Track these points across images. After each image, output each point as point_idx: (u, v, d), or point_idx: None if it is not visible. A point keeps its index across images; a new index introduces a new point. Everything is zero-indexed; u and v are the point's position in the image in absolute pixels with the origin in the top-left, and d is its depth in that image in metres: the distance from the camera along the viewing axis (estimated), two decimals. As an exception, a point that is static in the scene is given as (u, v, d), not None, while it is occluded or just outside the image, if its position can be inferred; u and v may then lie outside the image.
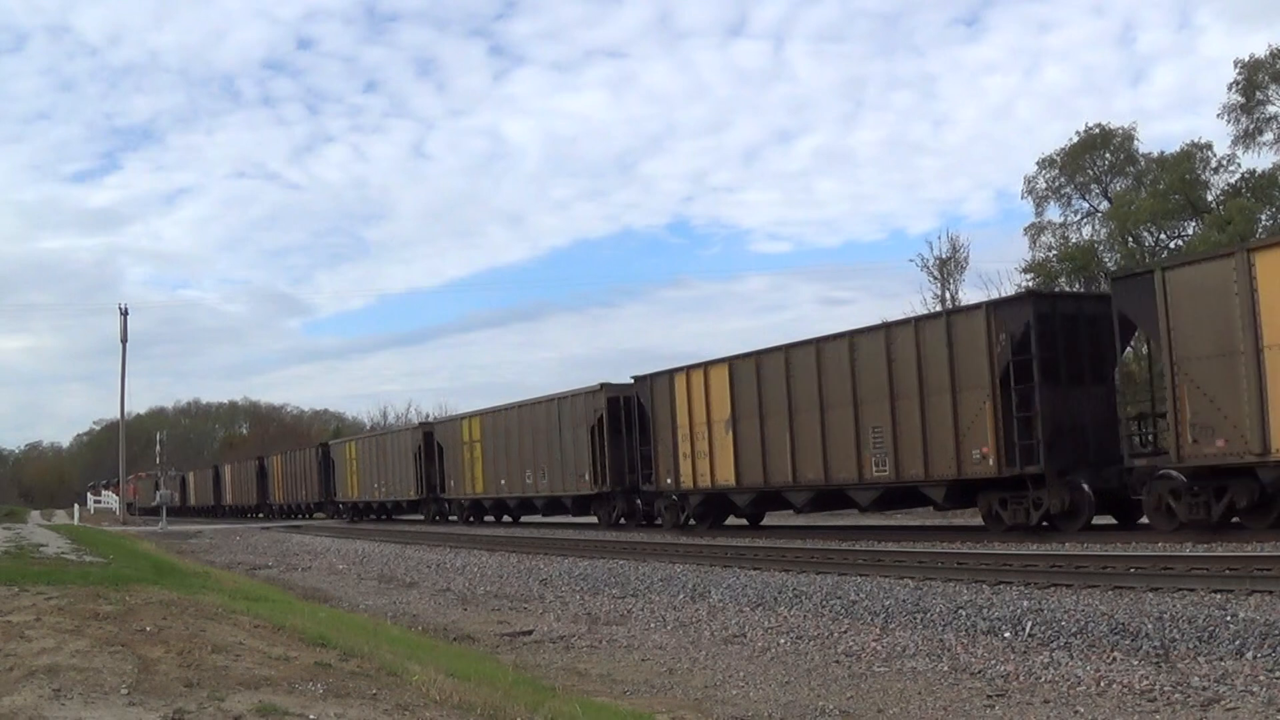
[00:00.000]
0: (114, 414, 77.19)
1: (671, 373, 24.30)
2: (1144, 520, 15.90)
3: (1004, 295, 16.32)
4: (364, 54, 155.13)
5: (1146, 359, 14.16)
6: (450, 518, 36.64)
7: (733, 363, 22.51)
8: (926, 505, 19.65)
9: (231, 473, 62.00)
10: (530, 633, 11.83)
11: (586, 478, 27.22)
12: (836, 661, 9.21)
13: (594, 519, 28.18)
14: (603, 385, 27.34)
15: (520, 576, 17.19)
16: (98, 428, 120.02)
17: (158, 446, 59.19)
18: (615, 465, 26.31)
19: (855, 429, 19.24)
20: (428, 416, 61.78)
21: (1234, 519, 14.57)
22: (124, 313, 54.66)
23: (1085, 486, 16.24)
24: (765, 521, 24.87)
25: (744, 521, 24.47)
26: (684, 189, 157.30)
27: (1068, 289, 14.97)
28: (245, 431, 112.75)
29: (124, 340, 54.48)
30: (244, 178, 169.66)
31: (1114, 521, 16.90)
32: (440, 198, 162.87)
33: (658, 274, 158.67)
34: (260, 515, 55.05)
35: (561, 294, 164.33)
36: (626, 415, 25.97)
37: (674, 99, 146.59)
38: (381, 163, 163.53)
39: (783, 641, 10.21)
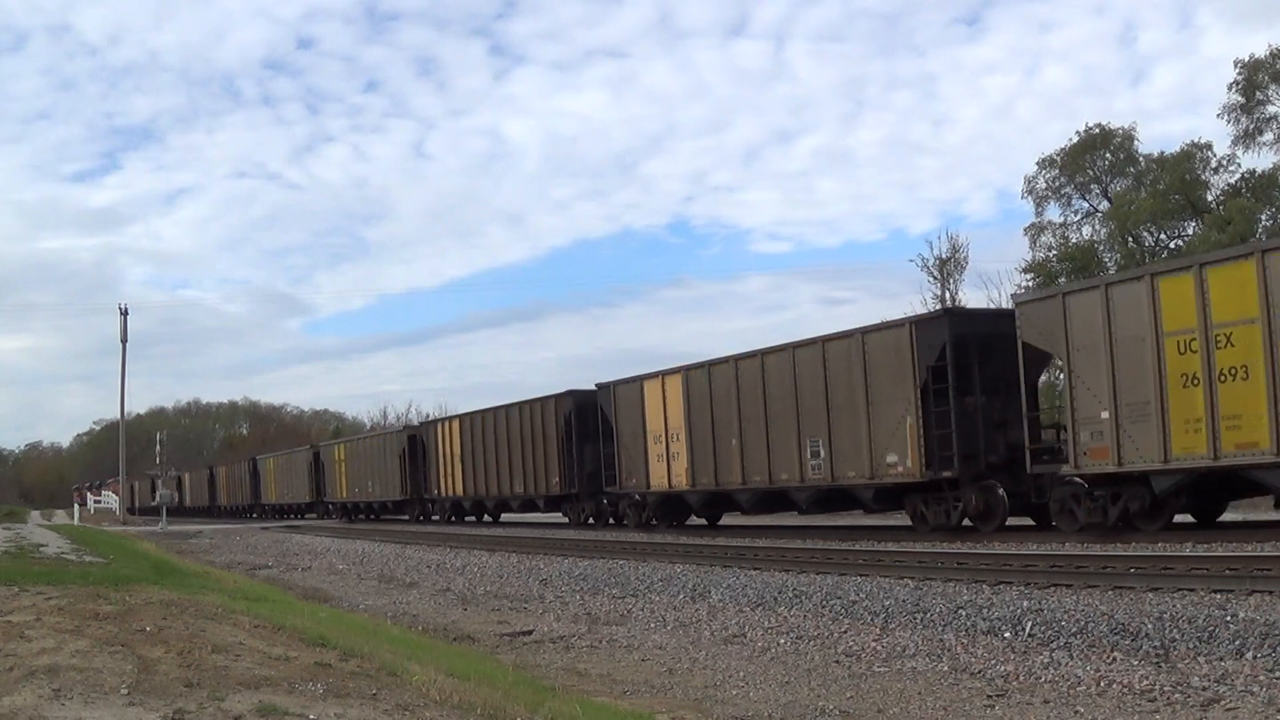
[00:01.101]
0: (114, 414, 77.49)
1: (437, 421, 38.36)
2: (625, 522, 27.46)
3: (562, 391, 29.37)
4: (364, 54, 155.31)
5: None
6: (334, 516, 47.32)
7: (462, 419, 35.54)
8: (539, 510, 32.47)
9: (190, 479, 72.36)
10: (530, 633, 11.83)
11: (398, 489, 39.67)
12: (836, 661, 9.21)
13: (405, 516, 40.71)
14: (405, 427, 43.28)
15: (520, 576, 17.19)
16: (98, 428, 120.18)
17: (158, 446, 59.25)
18: (414, 480, 38.61)
19: (509, 463, 31.54)
20: (427, 416, 65.26)
21: (652, 521, 25.98)
22: (124, 313, 54.71)
23: (605, 500, 28.05)
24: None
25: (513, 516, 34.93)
26: (684, 189, 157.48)
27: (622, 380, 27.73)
28: (245, 432, 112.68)
29: (124, 340, 54.53)
30: (244, 178, 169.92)
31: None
32: (440, 198, 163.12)
33: (658, 274, 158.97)
34: (211, 514, 64.17)
35: (561, 294, 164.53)
36: (420, 448, 38.21)
37: (674, 99, 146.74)
38: (381, 163, 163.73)
39: (783, 641, 10.20)
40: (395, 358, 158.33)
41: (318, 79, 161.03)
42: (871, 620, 10.65)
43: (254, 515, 56.96)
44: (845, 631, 10.28)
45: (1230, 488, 15.39)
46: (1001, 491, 17.56)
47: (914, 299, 54.73)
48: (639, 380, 25.80)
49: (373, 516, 44.36)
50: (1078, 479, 16.13)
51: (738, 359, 22.64)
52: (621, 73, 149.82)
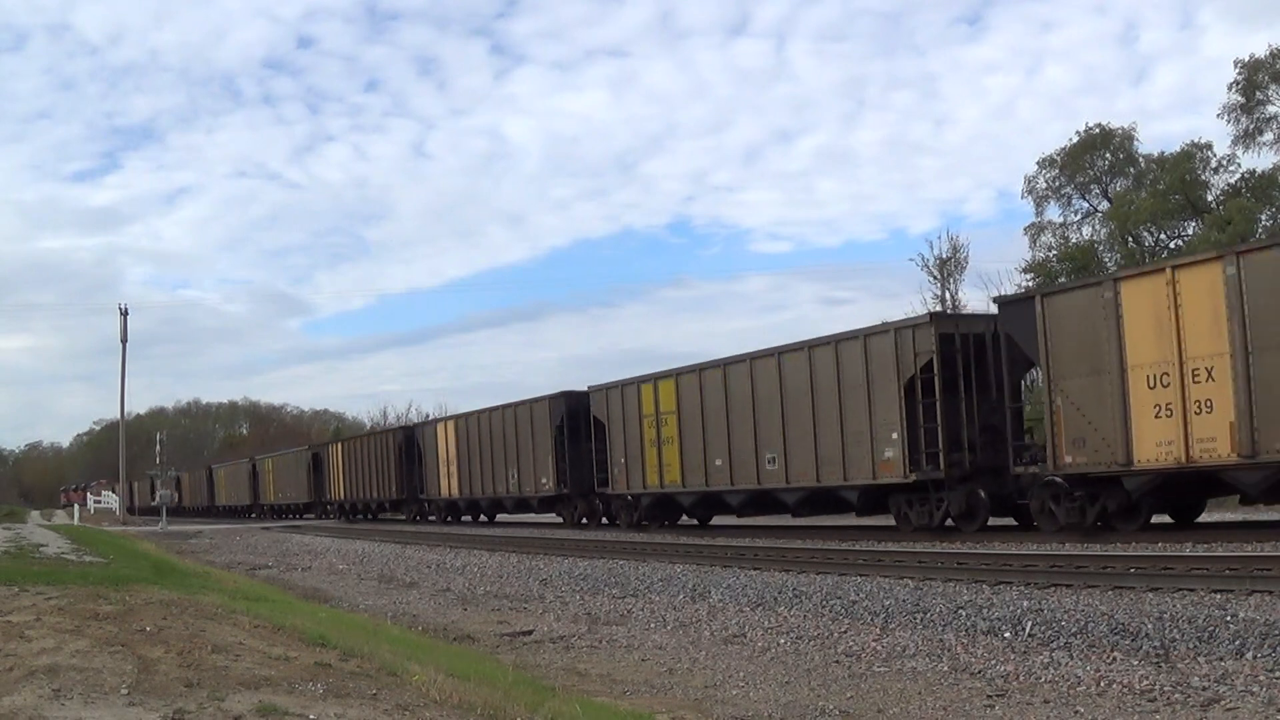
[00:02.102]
0: (114, 414, 77.75)
1: (328, 443, 52.91)
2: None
3: (398, 426, 44.64)
4: (364, 53, 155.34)
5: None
6: (266, 515, 56.36)
7: (344, 443, 48.59)
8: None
9: (160, 484, 76.93)
10: (530, 633, 11.83)
11: (305, 494, 50.61)
12: (836, 661, 9.21)
13: (312, 514, 50.76)
14: (309, 446, 54.92)
15: (520, 576, 17.19)
16: (98, 428, 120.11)
17: (158, 446, 59.23)
18: (318, 488, 49.56)
19: (369, 477, 42.91)
20: (427, 416, 68.76)
21: (447, 518, 37.63)
22: (124, 313, 54.75)
23: (425, 504, 39.66)
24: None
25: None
26: (684, 189, 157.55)
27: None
28: (245, 431, 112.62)
29: (124, 340, 54.55)
30: (244, 177, 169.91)
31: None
32: (440, 197, 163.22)
33: (658, 274, 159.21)
34: (178, 514, 69.02)
35: (561, 294, 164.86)
36: (321, 463, 49.25)
37: (675, 99, 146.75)
38: (382, 162, 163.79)
39: (783, 641, 10.20)
40: (395, 358, 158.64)
41: (318, 79, 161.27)
42: (871, 620, 10.65)
43: (210, 514, 66.76)
44: (845, 631, 10.28)
45: (673, 506, 26.05)
46: (597, 501, 28.92)
47: (914, 299, 54.79)
48: (435, 423, 39.09)
49: (293, 515, 53.71)
50: (627, 496, 26.99)
51: (478, 414, 34.74)
52: (622, 72, 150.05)
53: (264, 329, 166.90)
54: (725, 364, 23.15)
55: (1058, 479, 16.35)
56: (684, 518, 26.46)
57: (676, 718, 7.32)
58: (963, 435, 18.07)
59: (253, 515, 58.86)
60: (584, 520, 29.47)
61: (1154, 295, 15.19)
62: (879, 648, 9.44)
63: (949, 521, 18.53)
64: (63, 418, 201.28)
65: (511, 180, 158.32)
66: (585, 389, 28.48)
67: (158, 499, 50.57)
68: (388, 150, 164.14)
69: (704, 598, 13.07)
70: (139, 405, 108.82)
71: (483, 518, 36.89)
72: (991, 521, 18.54)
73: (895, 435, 18.58)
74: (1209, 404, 14.54)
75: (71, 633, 7.38)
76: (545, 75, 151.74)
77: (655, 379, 25.48)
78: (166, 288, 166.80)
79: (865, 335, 19.65)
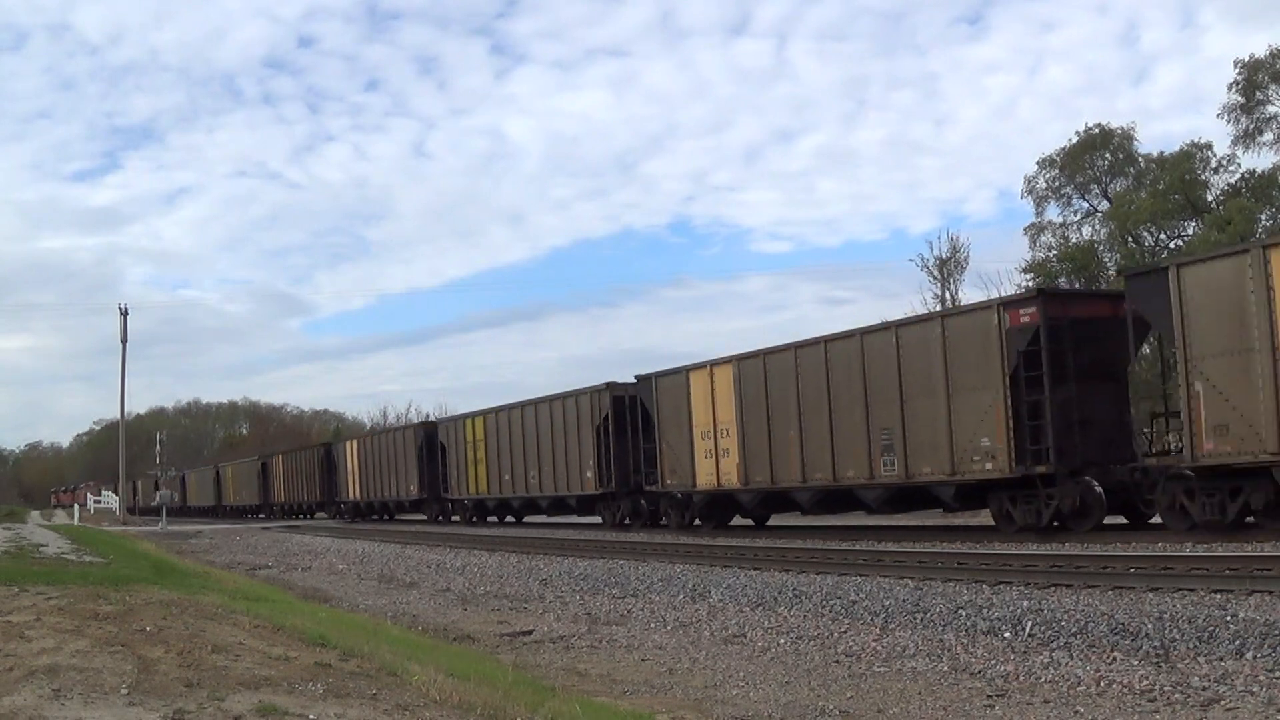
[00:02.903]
0: (114, 414, 77.78)
1: (275, 454, 56.56)
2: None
3: (320, 443, 52.08)
4: (365, 53, 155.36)
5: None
6: (229, 516, 61.14)
7: (284, 455, 54.49)
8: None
9: (142, 486, 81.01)
10: (530, 633, 11.83)
11: (257, 497, 56.66)
12: (836, 661, 9.21)
13: (262, 515, 56.21)
14: (258, 456, 58.61)
15: (520, 576, 17.19)
16: (98, 428, 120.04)
17: (158, 446, 59.24)
18: (265, 491, 55.75)
19: (304, 483, 50.53)
20: (428, 416, 70.10)
21: (357, 518, 45.48)
22: (124, 313, 54.68)
23: (340, 505, 48.10)
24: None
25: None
26: (685, 189, 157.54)
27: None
28: (245, 431, 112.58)
29: (124, 340, 54.51)
30: (244, 177, 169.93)
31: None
32: (441, 197, 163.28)
33: (658, 274, 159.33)
34: (156, 514, 75.56)
35: (561, 294, 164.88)
36: (268, 470, 55.39)
37: (675, 98, 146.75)
38: (382, 162, 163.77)
39: (783, 641, 10.20)
40: (395, 358, 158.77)
41: (318, 78, 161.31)
42: (871, 620, 10.65)
43: (184, 514, 69.72)
44: (845, 631, 10.28)
45: (486, 508, 35.20)
46: (448, 504, 37.31)
47: (914, 299, 54.80)
48: (344, 442, 48.25)
49: (249, 516, 58.65)
50: (462, 500, 35.81)
51: (371, 436, 46.48)
52: (622, 72, 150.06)
53: (264, 329, 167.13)
54: (509, 409, 32.29)
55: (675, 494, 24.98)
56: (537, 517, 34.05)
57: (676, 718, 7.32)
58: (629, 464, 26.70)
59: (217, 515, 64.09)
60: (440, 518, 37.94)
61: (704, 381, 23.76)
62: (879, 648, 9.44)
63: (626, 520, 27.13)
64: (63, 418, 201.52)
65: (512, 180, 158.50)
66: (436, 421, 38.98)
67: (157, 499, 50.64)
68: (388, 150, 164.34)
69: (704, 598, 13.07)
70: (139, 405, 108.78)
71: (386, 516, 44.37)
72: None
73: (592, 462, 27.74)
74: (728, 451, 22.92)
75: (71, 633, 7.37)
76: (545, 75, 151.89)
77: (473, 416, 34.77)
78: (166, 288, 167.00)
79: (575, 396, 28.76)
